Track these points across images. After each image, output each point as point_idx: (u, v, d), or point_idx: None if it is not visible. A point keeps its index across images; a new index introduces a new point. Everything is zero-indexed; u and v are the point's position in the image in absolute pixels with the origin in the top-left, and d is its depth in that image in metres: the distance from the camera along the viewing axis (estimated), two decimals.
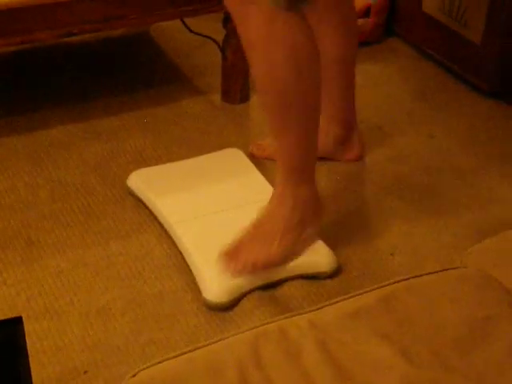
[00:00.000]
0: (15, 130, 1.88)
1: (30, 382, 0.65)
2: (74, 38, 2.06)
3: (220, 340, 0.94)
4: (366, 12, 2.27)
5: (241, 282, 1.43)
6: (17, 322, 0.63)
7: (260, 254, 1.41)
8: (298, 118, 1.35)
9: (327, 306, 1.00)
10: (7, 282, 1.47)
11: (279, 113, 1.35)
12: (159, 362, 0.90)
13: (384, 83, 2.15)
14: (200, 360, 0.90)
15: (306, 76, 1.31)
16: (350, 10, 1.68)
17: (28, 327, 1.33)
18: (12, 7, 1.65)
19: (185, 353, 0.91)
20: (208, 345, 0.93)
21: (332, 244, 1.53)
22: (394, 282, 1.01)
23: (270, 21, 1.24)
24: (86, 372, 1.30)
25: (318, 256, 1.49)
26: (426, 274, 1.03)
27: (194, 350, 0.92)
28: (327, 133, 1.71)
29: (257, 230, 1.44)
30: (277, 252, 1.42)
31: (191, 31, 2.04)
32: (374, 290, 1.00)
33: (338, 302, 1.00)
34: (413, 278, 1.02)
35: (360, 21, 2.27)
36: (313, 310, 0.99)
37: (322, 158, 1.68)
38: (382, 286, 1.01)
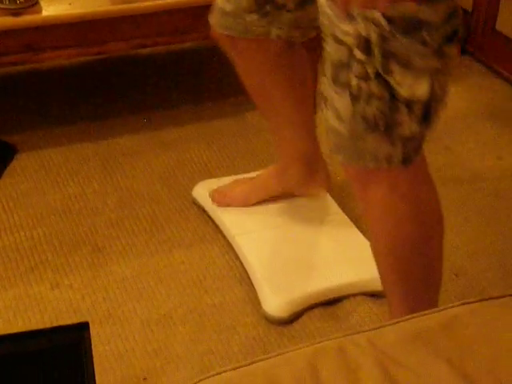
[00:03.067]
0: (86, 137, 1.93)
1: None
2: (145, 50, 2.11)
3: (279, 354, 0.94)
4: None
5: (302, 297, 1.43)
6: (84, 328, 0.65)
7: None
8: (418, 284, 1.25)
9: (388, 325, 0.98)
10: (73, 286, 1.50)
11: (398, 278, 1.24)
12: (218, 374, 0.91)
13: (453, 101, 2.11)
14: (258, 374, 0.90)
15: (432, 235, 1.22)
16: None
17: (91, 331, 1.36)
18: (87, 19, 1.70)
19: (244, 365, 0.92)
20: (267, 359, 0.93)
21: None
22: (458, 305, 1.00)
23: (393, 179, 1.16)
24: (145, 379, 1.32)
25: None
26: (491, 299, 1.01)
27: (253, 363, 0.92)
28: (285, 170, 1.61)
29: None
30: None
31: None
32: (436, 312, 0.99)
33: (399, 322, 0.99)
34: (477, 301, 1.00)
35: None
36: (373, 329, 0.98)
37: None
38: (445, 309, 0.99)
